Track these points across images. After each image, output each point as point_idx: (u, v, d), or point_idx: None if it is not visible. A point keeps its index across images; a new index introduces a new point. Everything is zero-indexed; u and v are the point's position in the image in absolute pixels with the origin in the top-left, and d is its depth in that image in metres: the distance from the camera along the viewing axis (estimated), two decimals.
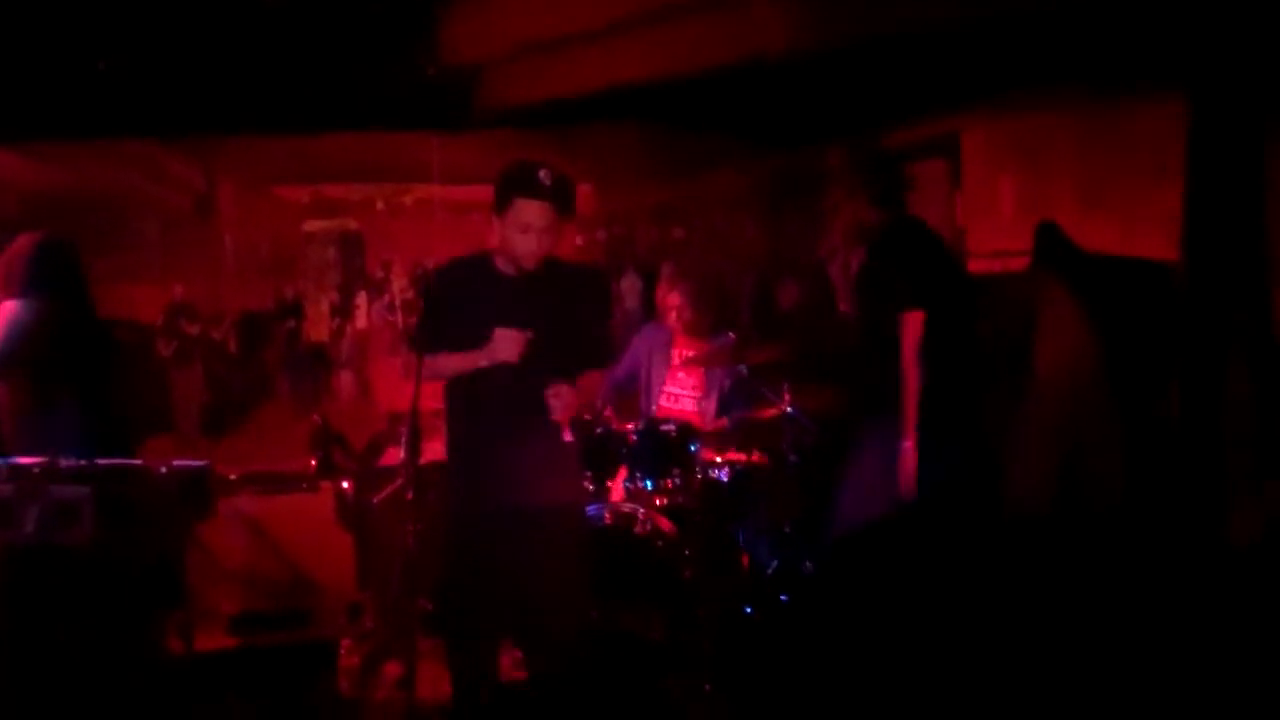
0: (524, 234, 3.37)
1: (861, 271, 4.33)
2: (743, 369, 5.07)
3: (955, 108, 6.36)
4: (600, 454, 4.72)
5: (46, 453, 3.42)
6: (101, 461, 3.43)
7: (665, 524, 4.49)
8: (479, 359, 3.42)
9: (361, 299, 11.87)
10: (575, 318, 3.54)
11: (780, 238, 8.36)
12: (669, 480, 4.70)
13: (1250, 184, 4.46)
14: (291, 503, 4.35)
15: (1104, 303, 4.79)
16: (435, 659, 3.85)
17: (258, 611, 4.07)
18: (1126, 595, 4.29)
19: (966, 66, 5.44)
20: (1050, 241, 5.04)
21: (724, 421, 5.18)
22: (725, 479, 4.87)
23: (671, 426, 4.79)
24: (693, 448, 4.77)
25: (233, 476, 4.41)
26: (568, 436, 3.49)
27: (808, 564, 4.73)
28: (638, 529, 4.44)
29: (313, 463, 4.94)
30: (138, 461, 3.55)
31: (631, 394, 5.38)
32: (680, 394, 5.28)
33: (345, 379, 11.10)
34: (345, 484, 4.82)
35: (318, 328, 11.71)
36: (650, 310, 5.91)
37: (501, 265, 3.50)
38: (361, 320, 11.72)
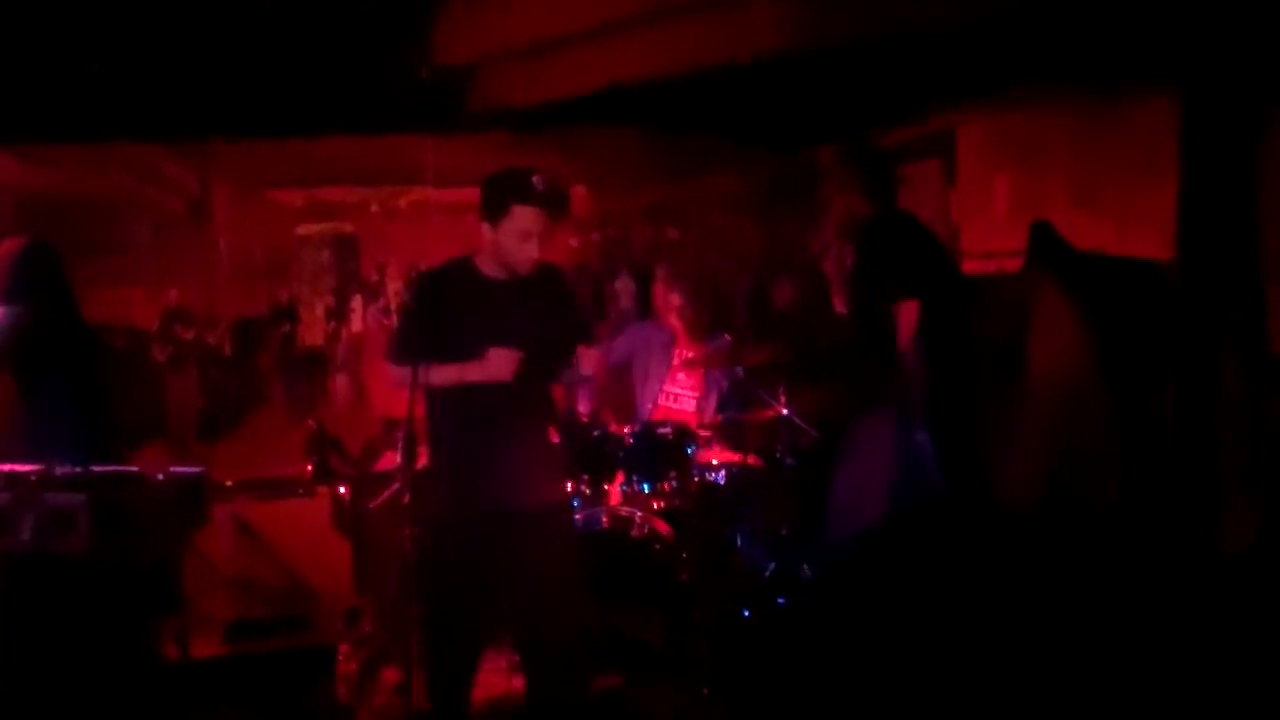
0: (524, 240, 3.40)
1: (854, 264, 4.34)
2: (739, 371, 5.07)
3: (950, 106, 6.36)
4: (597, 458, 4.74)
5: (36, 457, 3.43)
6: (97, 469, 3.44)
7: (662, 527, 4.50)
8: (472, 373, 3.43)
9: (356, 302, 11.84)
10: (560, 312, 3.59)
11: (776, 238, 8.36)
12: (666, 483, 4.71)
13: (1243, 182, 4.46)
14: (288, 508, 4.35)
15: (1098, 302, 4.80)
16: None
17: (254, 618, 4.07)
18: (1120, 595, 4.29)
19: (961, 65, 5.44)
20: (1044, 241, 5.04)
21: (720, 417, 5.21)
22: (722, 482, 4.88)
23: (668, 430, 4.80)
24: (689, 450, 4.77)
25: (228, 482, 4.41)
26: (554, 438, 3.51)
27: (805, 567, 4.74)
28: (635, 532, 4.44)
29: (309, 468, 4.94)
30: (133, 469, 3.55)
31: (626, 389, 5.40)
32: (681, 394, 5.31)
33: (340, 383, 11.05)
34: (342, 489, 4.82)
35: (313, 332, 11.67)
36: (645, 310, 5.93)
37: (486, 269, 3.51)
38: (357, 324, 11.67)
